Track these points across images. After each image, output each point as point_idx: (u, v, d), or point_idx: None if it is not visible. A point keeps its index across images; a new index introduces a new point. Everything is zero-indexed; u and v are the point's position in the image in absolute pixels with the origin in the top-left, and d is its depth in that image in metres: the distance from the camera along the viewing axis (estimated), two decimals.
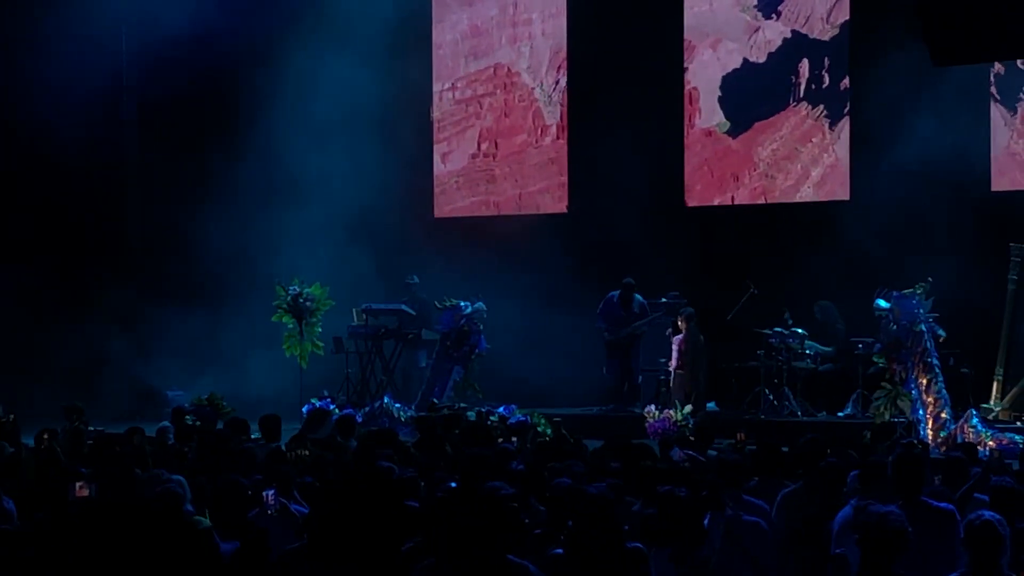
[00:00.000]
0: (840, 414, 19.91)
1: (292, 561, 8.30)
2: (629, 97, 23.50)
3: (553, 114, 25.00)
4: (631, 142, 22.94)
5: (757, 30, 23.35)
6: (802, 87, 22.89)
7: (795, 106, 22.89)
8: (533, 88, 25.20)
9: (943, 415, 18.04)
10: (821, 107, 22.70)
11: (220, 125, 25.20)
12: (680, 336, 20.66)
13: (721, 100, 23.68)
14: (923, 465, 9.51)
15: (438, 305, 21.76)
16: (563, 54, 24.85)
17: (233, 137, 24.80)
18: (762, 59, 23.31)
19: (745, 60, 23.44)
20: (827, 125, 22.61)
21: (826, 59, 22.66)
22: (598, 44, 24.25)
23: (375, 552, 4.47)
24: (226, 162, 24.70)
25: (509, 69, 25.46)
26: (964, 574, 7.60)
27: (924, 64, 12.65)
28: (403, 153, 25.32)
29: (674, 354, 20.70)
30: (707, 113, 23.76)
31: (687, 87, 23.76)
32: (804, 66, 22.87)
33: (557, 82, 24.93)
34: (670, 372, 20.78)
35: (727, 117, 23.59)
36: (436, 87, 26.00)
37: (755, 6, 23.32)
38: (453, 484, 9.69)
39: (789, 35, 23.02)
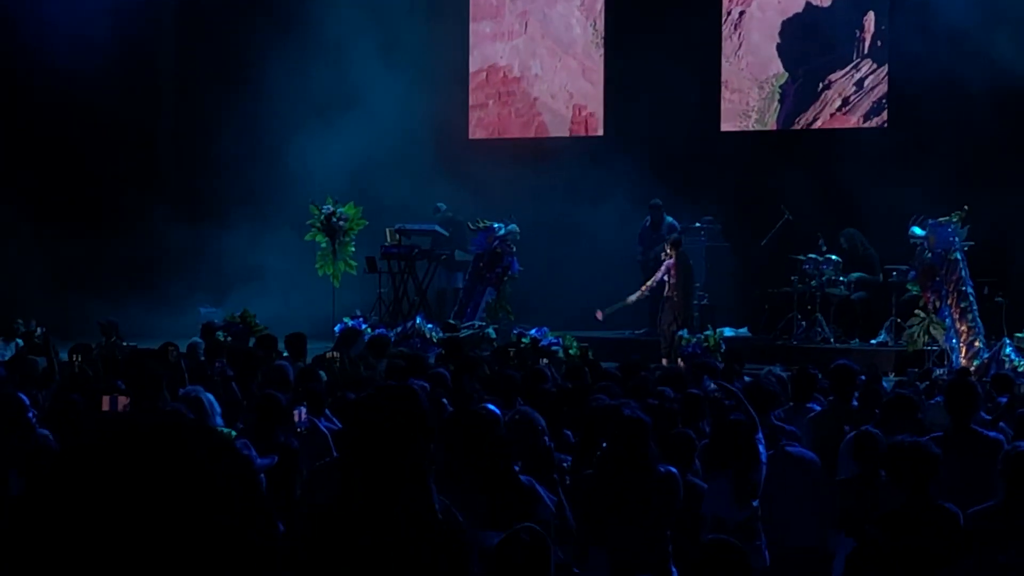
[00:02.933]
0: (873, 341, 19.86)
1: (322, 476, 8.34)
2: (670, 19, 23.33)
3: (593, 38, 24.91)
4: (669, 67, 22.80)
5: None
6: (867, 43, 22.67)
7: (858, 62, 22.71)
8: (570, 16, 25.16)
9: (976, 344, 17.98)
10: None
11: (257, 42, 25.10)
12: (670, 261, 20.36)
13: (780, 48, 23.50)
14: (975, 393, 9.55)
15: (471, 226, 21.73)
16: None
17: (269, 55, 24.73)
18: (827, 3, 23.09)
19: (808, 4, 23.17)
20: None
21: None
22: None
23: (401, 465, 4.51)
24: (260, 83, 24.68)
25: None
26: (1001, 502, 7.61)
27: None
28: (438, 76, 25.22)
29: (666, 279, 20.46)
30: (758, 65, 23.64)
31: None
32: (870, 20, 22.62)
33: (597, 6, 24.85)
34: (653, 295, 20.43)
35: (785, 68, 23.39)
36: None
37: None
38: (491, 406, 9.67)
39: None
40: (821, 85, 22.99)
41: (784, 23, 23.35)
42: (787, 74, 23.34)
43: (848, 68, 22.70)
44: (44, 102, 24.73)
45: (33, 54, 23.84)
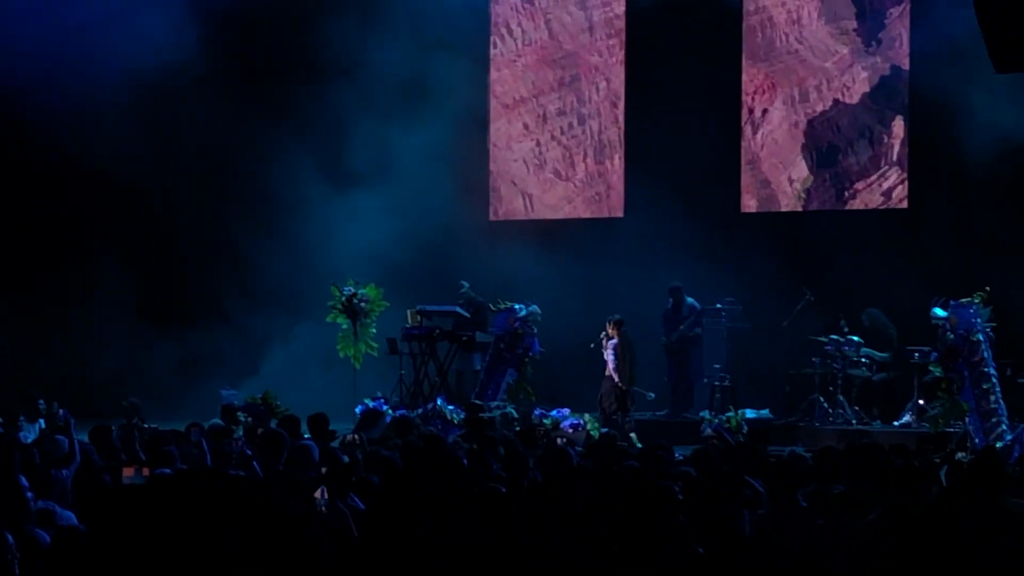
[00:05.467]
0: (896, 423, 19.79)
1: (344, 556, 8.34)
2: (687, 101, 23.45)
3: (614, 121, 25.06)
4: (687, 148, 22.94)
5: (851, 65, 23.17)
6: (895, 150, 22.75)
7: (885, 170, 22.77)
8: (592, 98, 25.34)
9: (999, 426, 17.89)
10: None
11: (274, 122, 25.28)
12: (614, 342, 20.42)
13: (804, 148, 23.55)
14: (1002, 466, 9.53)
15: (492, 307, 21.75)
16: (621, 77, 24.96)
17: (288, 137, 24.89)
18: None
19: (836, 100, 23.25)
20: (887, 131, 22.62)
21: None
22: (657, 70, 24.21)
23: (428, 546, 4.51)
24: (282, 162, 24.81)
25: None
26: None
27: (986, 72, 12.59)
28: (459, 158, 25.32)
29: (610, 361, 20.47)
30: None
31: (746, 98, 23.73)
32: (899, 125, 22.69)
33: (614, 92, 25.00)
34: (613, 378, 20.35)
35: (811, 171, 23.45)
36: (498, 89, 26.07)
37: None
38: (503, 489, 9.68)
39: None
40: (847, 193, 23.03)
41: (811, 121, 23.40)
42: (812, 177, 23.37)
43: (875, 177, 22.75)
44: (64, 180, 24.98)
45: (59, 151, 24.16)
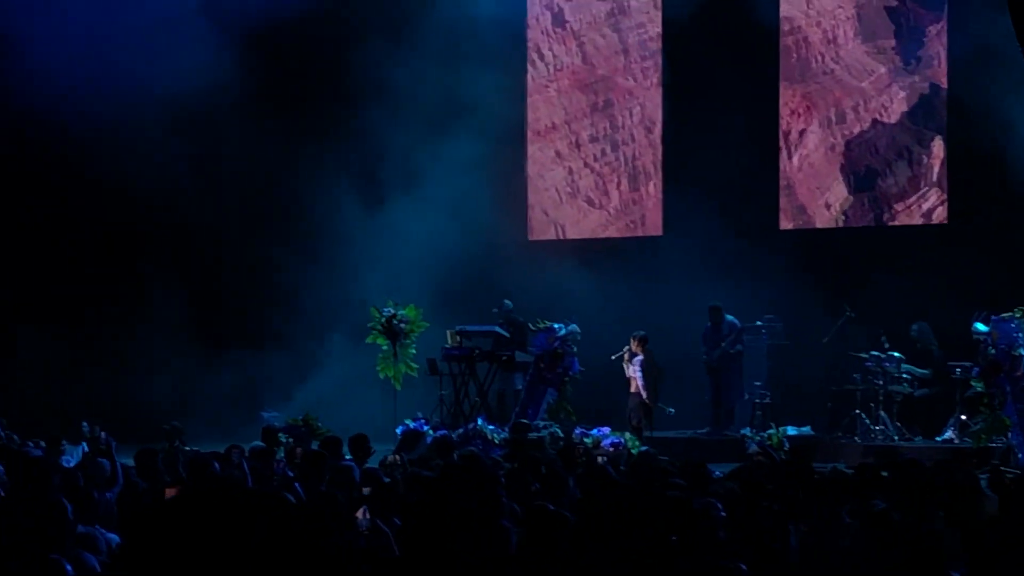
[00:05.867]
0: (938, 439, 19.70)
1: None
2: (724, 118, 23.41)
3: (651, 138, 25.01)
4: (725, 168, 22.92)
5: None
6: (935, 171, 22.58)
7: (925, 191, 22.64)
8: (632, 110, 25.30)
9: None
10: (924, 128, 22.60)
11: (318, 148, 25.38)
12: (640, 358, 20.53)
13: (843, 168, 23.40)
14: None
15: (532, 327, 21.76)
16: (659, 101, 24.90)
17: (327, 159, 24.99)
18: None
19: (875, 120, 23.08)
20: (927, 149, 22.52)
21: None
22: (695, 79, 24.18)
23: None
24: (321, 184, 24.89)
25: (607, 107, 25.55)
26: None
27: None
28: (497, 178, 25.33)
29: (638, 378, 20.55)
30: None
31: (781, 121, 23.68)
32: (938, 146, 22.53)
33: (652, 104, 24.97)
34: (641, 395, 20.56)
35: (849, 192, 23.29)
36: (530, 115, 26.09)
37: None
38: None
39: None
40: (886, 216, 22.94)
41: (848, 143, 23.29)
42: (850, 199, 23.29)
43: (914, 199, 22.61)
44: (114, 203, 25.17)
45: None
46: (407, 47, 24.70)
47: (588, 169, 25.82)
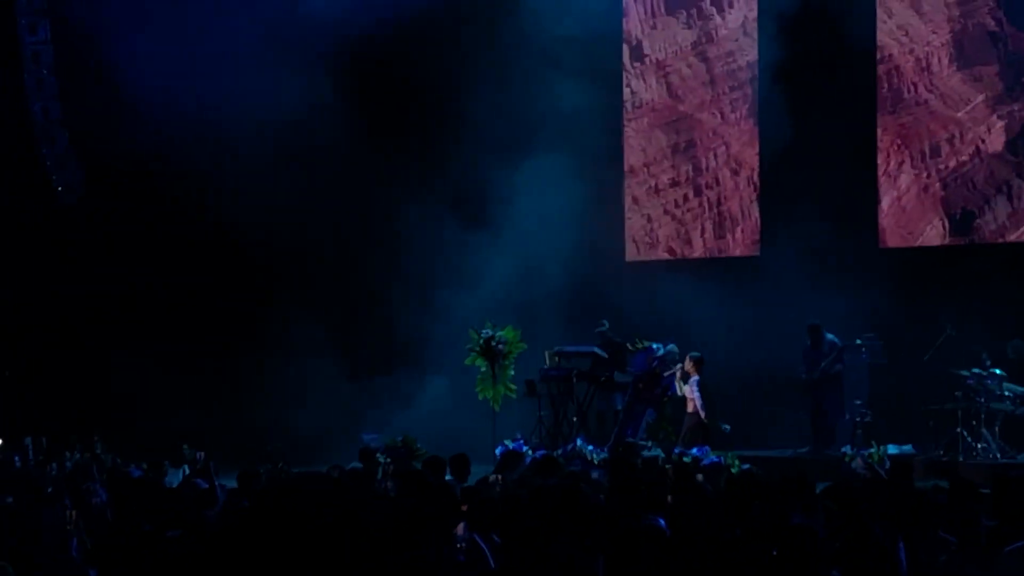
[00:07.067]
0: None
1: None
2: (822, 134, 23.27)
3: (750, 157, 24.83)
4: (826, 183, 22.81)
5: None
6: None
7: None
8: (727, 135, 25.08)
9: None
10: None
11: (412, 171, 25.53)
12: (696, 379, 20.61)
13: (944, 201, 22.90)
14: None
15: (630, 347, 21.77)
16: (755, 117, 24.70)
17: (424, 179, 25.13)
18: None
19: (977, 149, 22.52)
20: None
21: None
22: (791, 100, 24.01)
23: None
24: (418, 207, 25.03)
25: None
26: None
27: None
28: (596, 197, 25.32)
29: (697, 398, 20.56)
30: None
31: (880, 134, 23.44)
32: None
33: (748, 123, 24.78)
34: (699, 414, 20.59)
35: (954, 228, 22.78)
36: (627, 135, 26.02)
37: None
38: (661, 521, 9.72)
39: None
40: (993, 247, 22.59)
41: (943, 179, 22.84)
42: (947, 239, 22.95)
43: (1014, 236, 22.19)
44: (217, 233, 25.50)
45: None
46: (502, 68, 24.76)
47: (669, 216, 25.54)
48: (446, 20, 24.93)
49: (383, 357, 24.71)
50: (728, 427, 20.95)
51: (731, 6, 24.70)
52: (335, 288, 26.38)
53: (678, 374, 20.87)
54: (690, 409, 20.71)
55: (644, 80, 25.62)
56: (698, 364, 20.74)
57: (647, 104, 25.66)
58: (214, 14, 24.56)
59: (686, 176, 25.29)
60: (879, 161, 23.38)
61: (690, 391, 20.66)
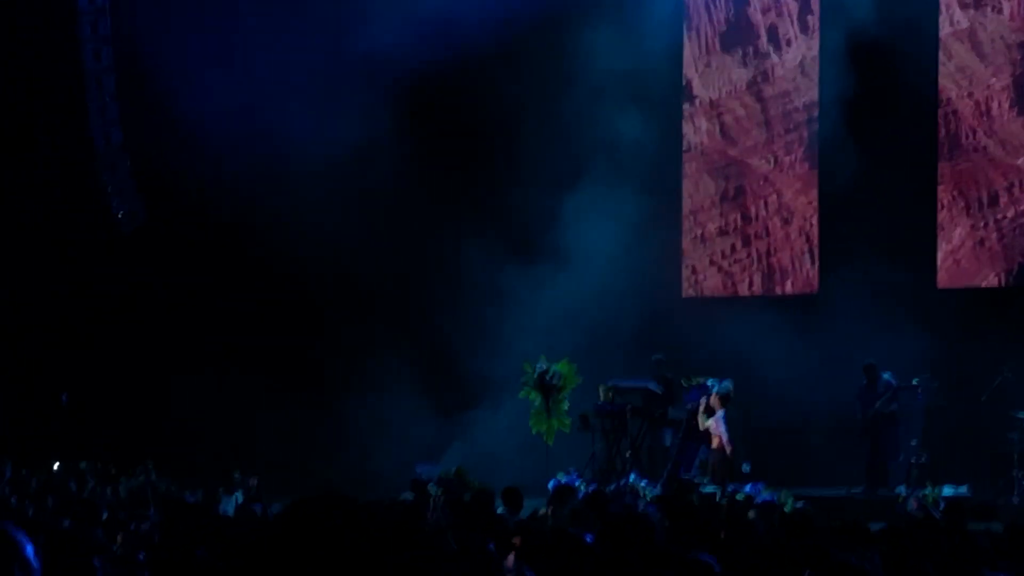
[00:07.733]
0: None
1: None
2: (882, 173, 23.20)
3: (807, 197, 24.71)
4: (883, 223, 22.75)
5: None
6: None
7: None
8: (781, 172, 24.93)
9: None
10: None
11: (467, 204, 25.62)
12: (722, 413, 20.55)
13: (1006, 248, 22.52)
14: None
15: (684, 383, 21.76)
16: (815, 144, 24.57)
17: (479, 212, 25.21)
18: None
19: None
20: None
21: None
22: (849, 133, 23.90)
23: None
24: (473, 241, 25.11)
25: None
26: None
27: None
28: (652, 232, 25.31)
29: (723, 434, 20.51)
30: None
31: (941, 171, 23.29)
32: None
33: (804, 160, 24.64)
34: (723, 449, 20.59)
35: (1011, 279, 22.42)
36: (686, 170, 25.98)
37: None
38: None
39: None
40: None
41: (1001, 230, 22.48)
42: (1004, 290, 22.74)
43: None
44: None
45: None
46: (557, 103, 24.82)
47: (715, 267, 25.39)
48: (503, 55, 24.99)
49: (438, 391, 24.71)
50: (748, 466, 20.89)
51: (789, 44, 24.41)
52: (390, 319, 26.46)
53: (702, 407, 20.85)
54: (714, 445, 20.70)
55: (693, 122, 25.29)
56: (724, 399, 20.75)
57: (695, 147, 25.35)
58: (276, 47, 24.76)
59: (734, 225, 24.98)
60: (937, 208, 23.25)
61: (715, 426, 20.62)
